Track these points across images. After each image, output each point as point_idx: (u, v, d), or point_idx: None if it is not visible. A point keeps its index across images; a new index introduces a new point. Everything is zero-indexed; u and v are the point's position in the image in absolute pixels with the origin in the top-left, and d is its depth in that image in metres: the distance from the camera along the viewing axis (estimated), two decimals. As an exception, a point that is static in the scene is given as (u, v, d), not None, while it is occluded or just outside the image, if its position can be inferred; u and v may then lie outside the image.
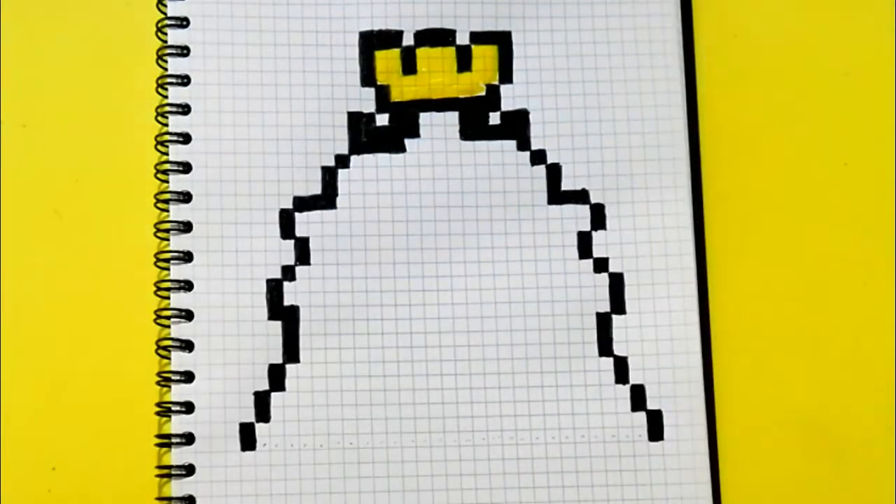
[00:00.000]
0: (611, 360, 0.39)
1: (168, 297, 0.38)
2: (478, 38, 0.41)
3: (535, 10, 0.41)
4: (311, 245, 0.39)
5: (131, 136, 0.40)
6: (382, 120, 0.40)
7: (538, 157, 0.40)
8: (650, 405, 0.39)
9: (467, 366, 0.39)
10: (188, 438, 0.38)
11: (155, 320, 0.38)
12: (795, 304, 0.40)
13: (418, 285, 0.39)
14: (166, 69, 0.40)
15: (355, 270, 0.39)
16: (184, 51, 0.40)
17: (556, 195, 0.40)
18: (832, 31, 0.42)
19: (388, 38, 0.41)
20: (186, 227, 0.39)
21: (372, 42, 0.40)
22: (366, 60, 0.40)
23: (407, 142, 0.40)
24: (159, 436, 0.38)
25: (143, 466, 0.38)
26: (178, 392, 0.38)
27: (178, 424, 0.38)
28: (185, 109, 0.39)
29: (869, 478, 0.39)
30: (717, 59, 0.42)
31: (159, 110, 0.39)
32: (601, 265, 0.40)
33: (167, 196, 0.39)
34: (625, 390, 0.39)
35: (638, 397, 0.39)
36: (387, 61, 0.40)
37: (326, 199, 0.39)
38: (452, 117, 0.40)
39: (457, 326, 0.39)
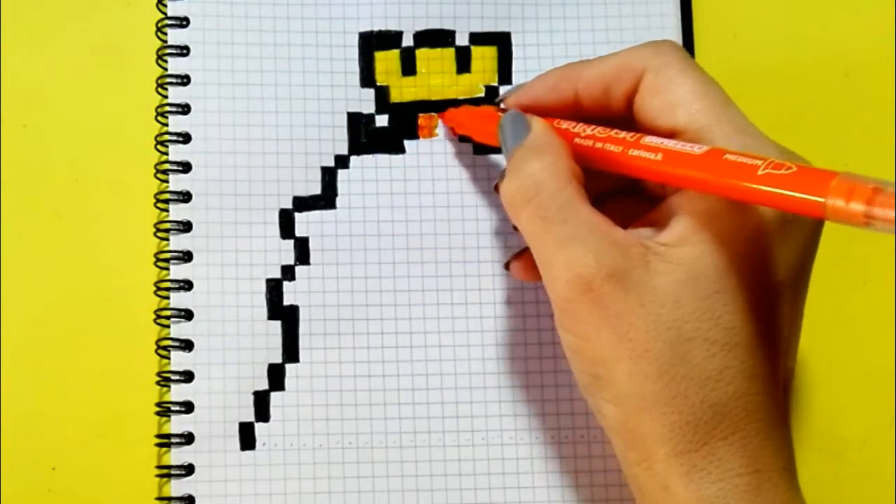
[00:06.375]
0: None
1: (168, 297, 0.38)
2: (477, 38, 0.41)
3: (535, 10, 0.41)
4: (311, 245, 0.39)
5: (131, 136, 0.40)
6: (382, 121, 0.40)
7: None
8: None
9: (467, 365, 0.39)
10: (188, 438, 0.38)
11: (155, 320, 0.38)
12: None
13: (418, 285, 0.39)
14: (166, 69, 0.40)
15: (355, 270, 0.39)
16: (184, 51, 0.40)
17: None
18: (832, 31, 0.42)
19: (388, 39, 0.41)
20: (186, 226, 0.39)
21: (371, 43, 0.40)
22: (365, 61, 0.40)
23: (406, 143, 0.40)
24: (159, 436, 0.38)
25: (143, 466, 0.38)
26: (178, 392, 0.38)
27: (177, 424, 0.38)
28: (185, 109, 0.39)
29: (869, 478, 0.39)
30: (717, 59, 0.41)
31: (159, 110, 0.39)
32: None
33: (167, 196, 0.39)
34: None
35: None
36: (386, 62, 0.40)
37: (326, 199, 0.39)
38: (452, 118, 0.40)
39: (456, 326, 0.39)
